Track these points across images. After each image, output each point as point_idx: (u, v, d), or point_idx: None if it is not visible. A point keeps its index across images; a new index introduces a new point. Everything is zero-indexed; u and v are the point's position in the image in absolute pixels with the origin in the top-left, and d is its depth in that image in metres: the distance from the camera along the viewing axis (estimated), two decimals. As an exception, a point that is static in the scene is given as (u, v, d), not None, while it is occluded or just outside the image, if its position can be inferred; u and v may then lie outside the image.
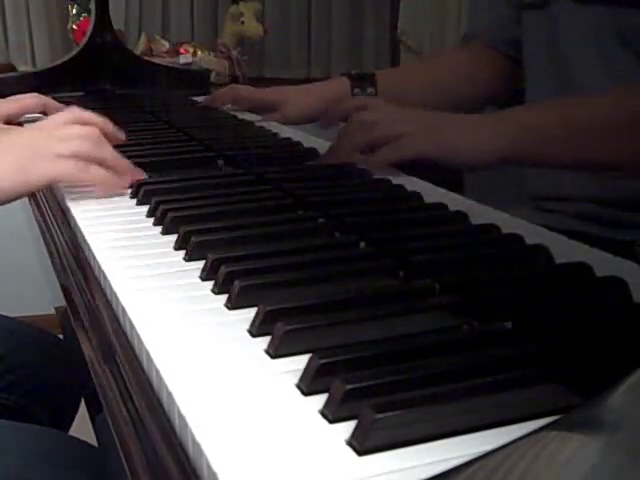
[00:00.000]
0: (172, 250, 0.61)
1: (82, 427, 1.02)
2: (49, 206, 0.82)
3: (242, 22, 2.17)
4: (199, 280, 0.54)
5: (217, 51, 2.18)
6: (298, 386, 0.39)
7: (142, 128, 1.10)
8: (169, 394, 0.40)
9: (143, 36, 2.33)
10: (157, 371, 0.42)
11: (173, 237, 0.62)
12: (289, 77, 2.47)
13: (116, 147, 0.80)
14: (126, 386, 0.45)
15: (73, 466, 0.77)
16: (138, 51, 2.18)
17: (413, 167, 0.81)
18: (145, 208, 0.71)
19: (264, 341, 0.44)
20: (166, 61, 2.05)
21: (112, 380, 0.47)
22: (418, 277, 0.52)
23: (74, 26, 2.25)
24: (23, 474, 0.71)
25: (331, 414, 0.36)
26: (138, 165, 0.82)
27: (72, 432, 1.00)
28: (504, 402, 0.36)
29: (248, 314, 0.47)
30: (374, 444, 0.34)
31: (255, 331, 0.45)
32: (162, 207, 0.67)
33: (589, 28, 0.86)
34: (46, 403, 1.00)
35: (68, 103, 1.19)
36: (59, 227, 0.75)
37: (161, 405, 0.41)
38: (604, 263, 0.54)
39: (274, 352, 0.43)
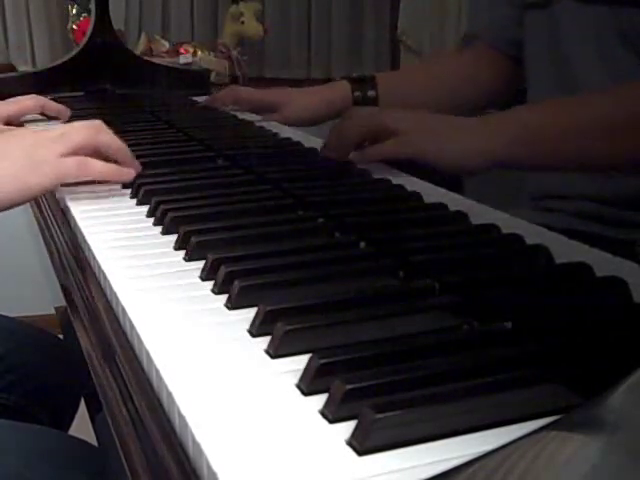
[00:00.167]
0: (172, 250, 0.61)
1: (82, 427, 1.02)
2: (49, 206, 0.82)
3: (242, 22, 2.17)
4: (199, 280, 0.54)
5: (217, 51, 2.18)
6: (298, 386, 0.39)
7: (142, 128, 1.10)
8: (169, 394, 0.40)
9: (143, 36, 2.33)
10: (157, 371, 0.42)
11: (173, 237, 0.62)
12: (289, 77, 2.47)
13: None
14: (126, 386, 0.45)
15: (73, 466, 0.77)
16: (138, 51, 2.18)
17: (411, 166, 0.81)
18: (145, 208, 0.71)
19: (264, 341, 0.44)
20: (166, 61, 2.05)
21: (112, 380, 0.47)
22: (418, 277, 0.52)
23: (74, 26, 2.25)
24: (23, 474, 0.71)
25: (331, 414, 0.36)
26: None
27: (72, 432, 1.00)
28: (504, 402, 0.36)
29: (248, 314, 0.47)
30: (374, 444, 0.34)
31: (255, 331, 0.45)
32: (162, 207, 0.67)
33: (591, 28, 0.86)
34: (46, 403, 1.00)
35: (68, 103, 1.20)
36: (59, 227, 0.75)
37: (161, 405, 0.41)
38: (604, 263, 0.54)
39: (274, 352, 0.43)
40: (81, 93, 1.47)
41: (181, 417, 0.38)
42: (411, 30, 2.29)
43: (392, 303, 0.48)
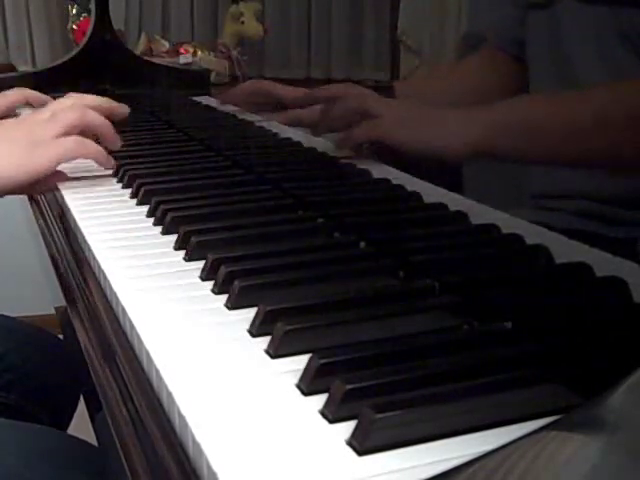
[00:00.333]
0: (172, 250, 0.61)
1: (82, 426, 1.02)
2: (49, 206, 0.82)
3: (242, 22, 2.16)
4: (199, 280, 0.54)
5: (217, 51, 2.17)
6: (298, 386, 0.39)
7: (142, 128, 1.10)
8: (169, 394, 0.40)
9: (143, 36, 2.33)
10: (157, 371, 0.42)
11: (173, 237, 0.62)
12: (289, 77, 2.47)
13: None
14: (126, 386, 0.45)
15: (73, 466, 0.77)
16: (138, 51, 2.18)
17: (393, 154, 0.81)
18: (145, 208, 0.71)
19: (264, 341, 0.44)
20: (166, 61, 2.05)
21: (112, 380, 0.47)
22: (418, 277, 0.51)
23: (74, 26, 2.25)
24: (23, 474, 0.71)
25: (331, 414, 0.36)
26: (138, 165, 0.82)
27: (71, 431, 1.00)
28: (504, 402, 0.36)
29: (248, 314, 0.47)
30: (374, 444, 0.34)
31: (255, 331, 0.45)
32: (162, 207, 0.67)
33: (591, 28, 0.86)
34: (46, 403, 1.00)
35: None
36: (59, 227, 0.75)
37: (161, 405, 0.41)
38: (604, 263, 0.54)
39: (274, 352, 0.43)
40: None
41: (181, 417, 0.38)
42: (411, 30, 2.29)
43: (392, 303, 0.48)
